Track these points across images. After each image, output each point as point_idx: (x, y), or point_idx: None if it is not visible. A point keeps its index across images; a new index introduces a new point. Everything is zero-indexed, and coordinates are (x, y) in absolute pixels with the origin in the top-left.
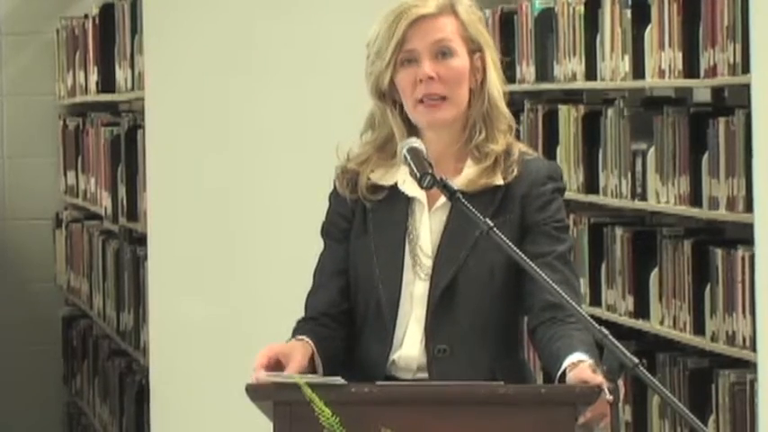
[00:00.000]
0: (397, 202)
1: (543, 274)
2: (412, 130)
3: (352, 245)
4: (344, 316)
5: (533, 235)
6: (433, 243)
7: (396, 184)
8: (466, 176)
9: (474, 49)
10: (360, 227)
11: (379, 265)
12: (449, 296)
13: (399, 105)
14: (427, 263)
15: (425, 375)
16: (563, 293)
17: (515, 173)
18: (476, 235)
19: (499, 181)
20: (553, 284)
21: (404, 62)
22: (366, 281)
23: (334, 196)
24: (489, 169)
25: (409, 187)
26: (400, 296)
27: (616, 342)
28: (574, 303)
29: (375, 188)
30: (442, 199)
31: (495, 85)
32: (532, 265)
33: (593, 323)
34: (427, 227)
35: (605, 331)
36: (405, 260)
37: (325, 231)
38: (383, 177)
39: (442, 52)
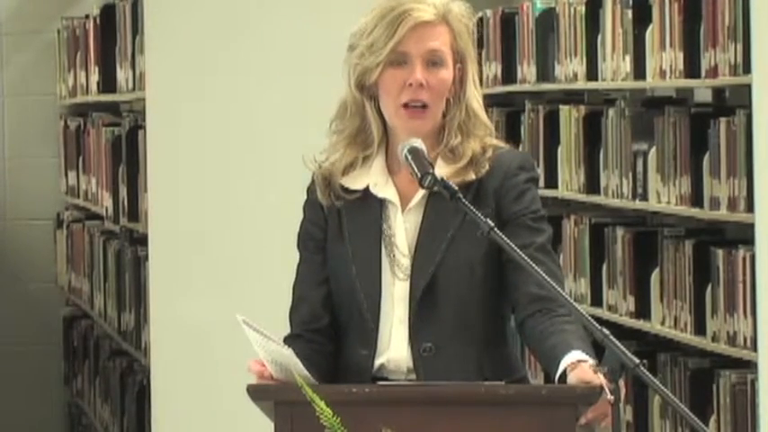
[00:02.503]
0: (370, 205)
1: (541, 271)
2: (384, 125)
3: (329, 252)
4: (330, 329)
5: (511, 228)
6: (409, 243)
7: (367, 187)
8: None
9: (457, 59)
10: (335, 233)
11: (357, 269)
12: (430, 294)
13: (375, 100)
14: (405, 263)
15: (415, 377)
16: (561, 291)
17: (487, 167)
18: (452, 231)
19: (471, 177)
20: (549, 279)
21: (393, 62)
22: (345, 287)
23: (308, 206)
24: (462, 168)
25: (381, 189)
26: (381, 299)
27: (617, 342)
28: (573, 303)
29: (348, 190)
30: (416, 199)
31: (475, 95)
32: (531, 264)
33: (593, 323)
34: (402, 227)
35: (606, 331)
36: (382, 262)
37: (301, 243)
38: (355, 181)
39: (434, 61)
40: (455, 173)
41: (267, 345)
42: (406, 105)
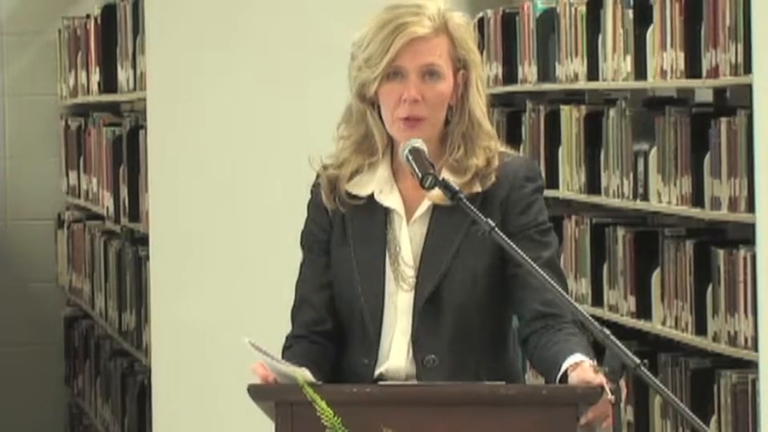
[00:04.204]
0: (374, 213)
1: (542, 275)
2: (389, 135)
3: (333, 256)
4: (333, 332)
5: (517, 241)
6: (414, 254)
7: (372, 194)
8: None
9: (459, 67)
10: (339, 237)
11: (361, 278)
12: (433, 305)
13: (378, 107)
14: (410, 273)
15: None
16: (563, 296)
17: (493, 179)
18: (456, 244)
19: (477, 188)
20: (555, 285)
21: (389, 75)
22: (348, 294)
23: (313, 207)
24: (468, 182)
25: (386, 197)
26: (384, 308)
27: (618, 342)
28: (574, 303)
29: (353, 196)
30: (420, 210)
31: (478, 103)
32: (533, 264)
33: (595, 323)
34: (407, 238)
35: (607, 331)
36: (386, 272)
37: (305, 243)
38: (360, 187)
39: (430, 73)
40: (460, 186)
41: (276, 366)
42: (402, 119)
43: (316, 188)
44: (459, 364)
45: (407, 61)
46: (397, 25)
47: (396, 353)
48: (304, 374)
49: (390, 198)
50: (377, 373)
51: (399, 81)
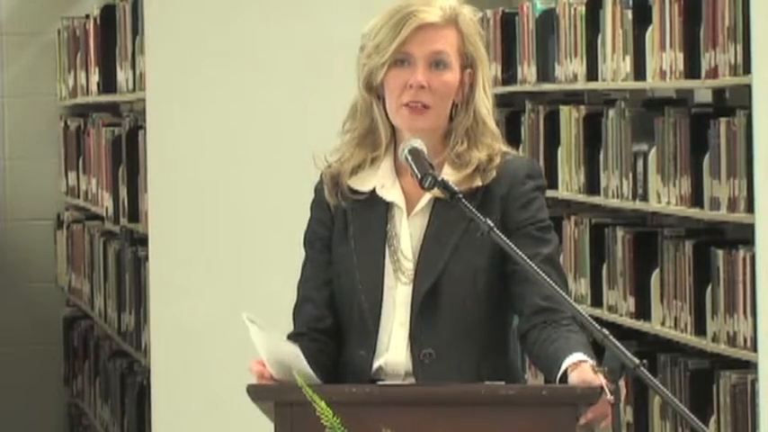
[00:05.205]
0: (376, 207)
1: (541, 275)
2: (393, 127)
3: (334, 252)
4: (334, 329)
5: (517, 238)
6: (413, 247)
7: (374, 188)
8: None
9: (466, 64)
10: (341, 233)
11: (360, 270)
12: (432, 300)
13: (383, 100)
14: (409, 267)
15: (413, 381)
16: (562, 296)
17: (494, 174)
18: (456, 239)
19: (477, 182)
20: (554, 285)
21: (397, 62)
22: (348, 287)
23: (315, 205)
24: (468, 176)
25: (387, 192)
26: (382, 301)
27: (617, 343)
28: (573, 303)
29: (355, 191)
30: (421, 203)
31: (484, 102)
32: (532, 264)
33: (594, 323)
34: (407, 231)
35: (606, 332)
36: (386, 265)
37: (308, 241)
38: (362, 182)
39: (437, 63)
40: (461, 180)
41: (271, 343)
42: (407, 104)
43: (319, 185)
44: (457, 360)
45: (416, 47)
46: (408, 13)
47: (395, 346)
48: (299, 356)
49: (392, 192)
50: (375, 365)
51: (407, 67)
